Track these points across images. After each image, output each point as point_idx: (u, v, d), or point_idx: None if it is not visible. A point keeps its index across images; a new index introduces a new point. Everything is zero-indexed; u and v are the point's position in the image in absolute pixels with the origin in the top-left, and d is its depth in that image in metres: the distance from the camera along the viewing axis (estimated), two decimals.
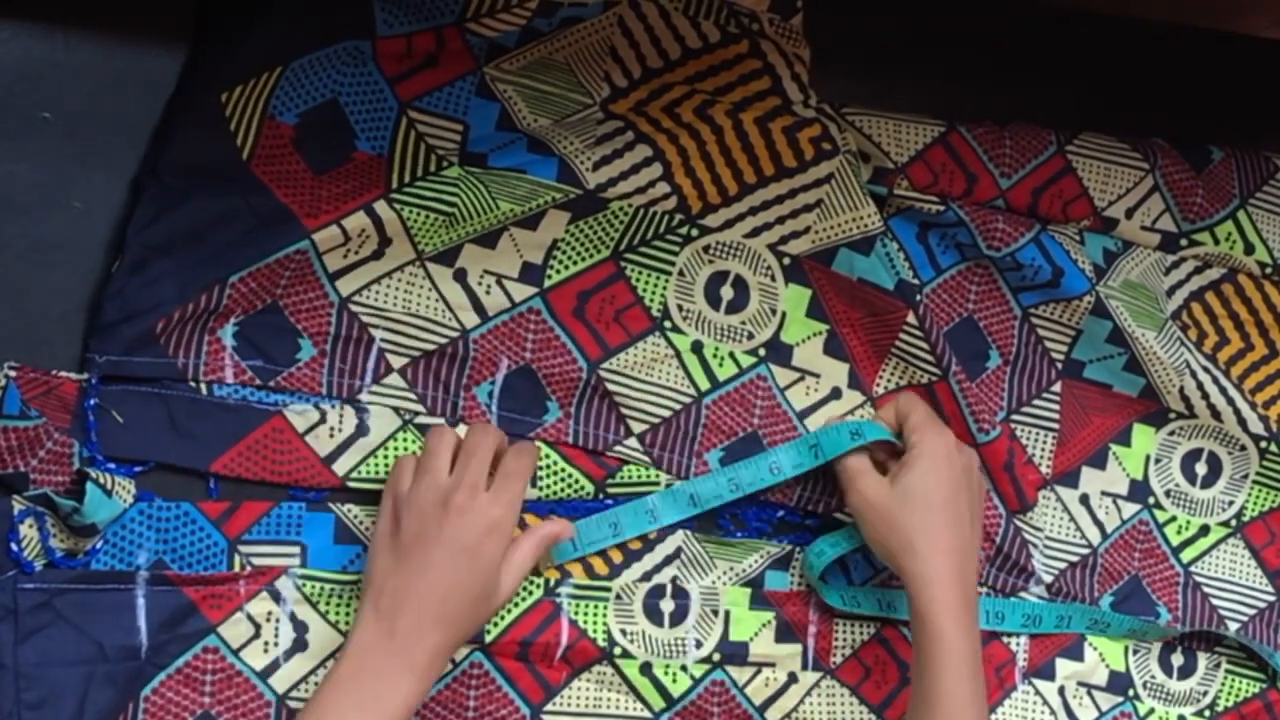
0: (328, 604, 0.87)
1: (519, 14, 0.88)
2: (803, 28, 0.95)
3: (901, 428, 0.95)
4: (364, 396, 0.89)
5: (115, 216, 0.84)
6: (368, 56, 0.87)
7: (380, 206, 0.86)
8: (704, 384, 0.96)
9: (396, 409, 0.89)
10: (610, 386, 0.93)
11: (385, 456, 0.89)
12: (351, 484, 0.88)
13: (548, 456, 0.92)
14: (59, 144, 0.83)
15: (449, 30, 0.88)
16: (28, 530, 0.80)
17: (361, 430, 0.88)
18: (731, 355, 0.97)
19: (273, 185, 0.85)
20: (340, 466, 0.88)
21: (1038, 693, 1.03)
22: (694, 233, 0.94)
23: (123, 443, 0.83)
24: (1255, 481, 1.09)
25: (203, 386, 0.85)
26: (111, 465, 0.83)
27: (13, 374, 0.80)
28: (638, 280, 0.94)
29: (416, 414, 0.90)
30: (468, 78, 0.89)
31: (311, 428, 0.87)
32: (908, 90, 0.99)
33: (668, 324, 0.95)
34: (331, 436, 0.88)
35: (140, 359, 0.83)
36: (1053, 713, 1.03)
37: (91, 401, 0.82)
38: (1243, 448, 1.08)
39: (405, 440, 0.89)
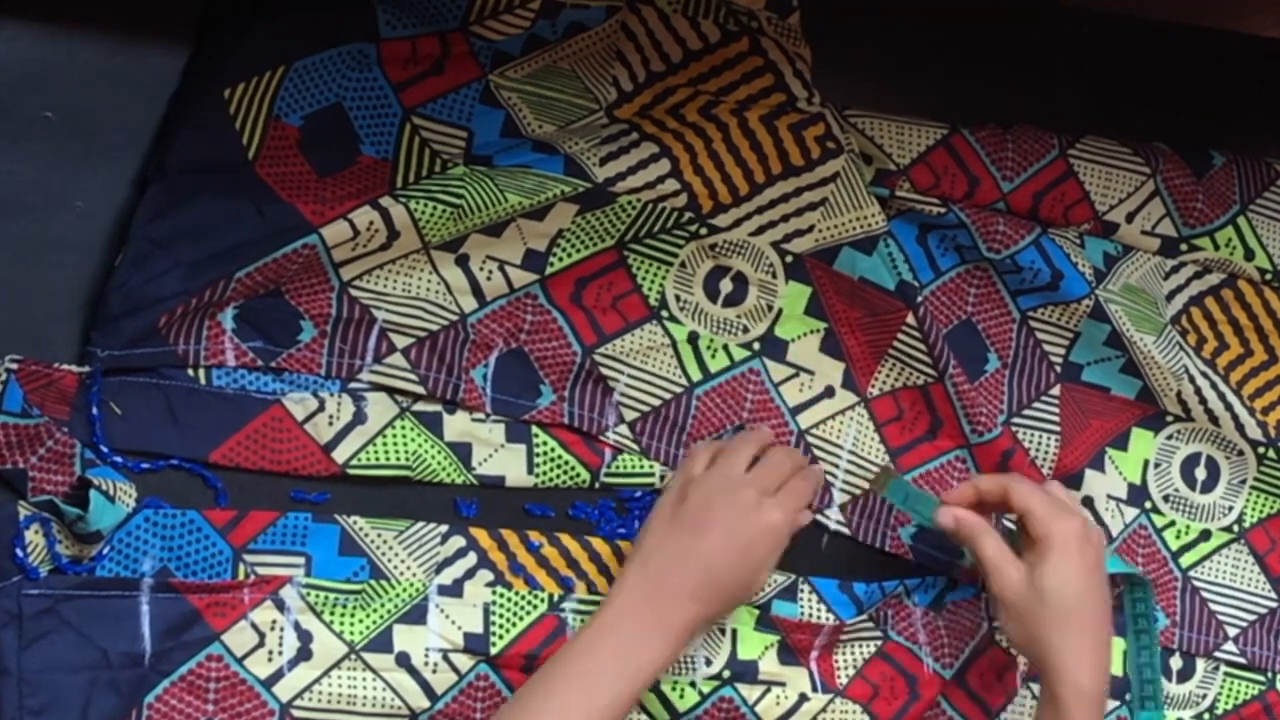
0: (332, 613, 0.87)
1: (522, 15, 0.88)
2: (801, 28, 0.95)
3: (1021, 517, 0.92)
4: (364, 376, 0.88)
5: (117, 215, 0.84)
6: (373, 61, 0.87)
7: (387, 201, 0.86)
8: (696, 374, 0.96)
9: (394, 394, 0.89)
10: (604, 371, 0.94)
11: (384, 444, 0.89)
12: (351, 471, 0.88)
13: (545, 443, 0.93)
14: (60, 143, 0.83)
15: (453, 35, 0.88)
16: (33, 536, 0.80)
17: (359, 418, 0.88)
18: (725, 348, 0.97)
19: (277, 186, 0.85)
20: (340, 454, 0.88)
21: (1035, 696, 1.03)
22: (702, 231, 0.94)
23: (122, 434, 0.83)
24: (1253, 487, 1.09)
25: (201, 375, 0.85)
26: (118, 458, 0.83)
27: (14, 367, 0.80)
28: (638, 269, 0.95)
29: (415, 400, 0.90)
30: (473, 85, 0.90)
31: (310, 416, 0.87)
32: (908, 90, 0.99)
33: (665, 313, 0.95)
34: (330, 424, 0.87)
35: (141, 351, 0.82)
36: None
37: (95, 395, 0.81)
38: (1240, 453, 1.08)
39: (403, 428, 0.89)
